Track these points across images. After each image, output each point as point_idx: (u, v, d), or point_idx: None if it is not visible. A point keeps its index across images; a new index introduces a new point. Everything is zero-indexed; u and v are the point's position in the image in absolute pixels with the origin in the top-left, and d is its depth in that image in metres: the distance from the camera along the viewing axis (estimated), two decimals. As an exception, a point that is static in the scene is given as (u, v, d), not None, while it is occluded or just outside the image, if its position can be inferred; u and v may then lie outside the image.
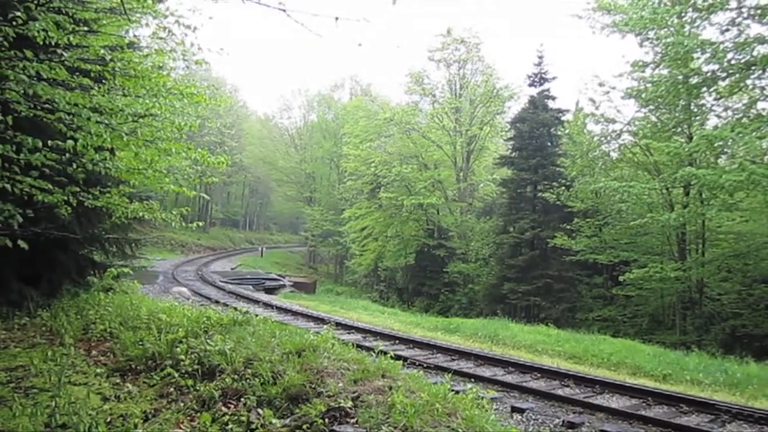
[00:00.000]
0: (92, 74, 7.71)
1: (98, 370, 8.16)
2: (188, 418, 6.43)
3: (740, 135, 19.82)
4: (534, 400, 9.29)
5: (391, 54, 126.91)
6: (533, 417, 8.34)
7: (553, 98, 36.69)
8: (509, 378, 10.89)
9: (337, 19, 4.09)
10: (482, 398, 6.35)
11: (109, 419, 6.26)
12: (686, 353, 17.20)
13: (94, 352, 9.24)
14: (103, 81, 7.90)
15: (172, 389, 7.27)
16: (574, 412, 8.68)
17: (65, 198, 8.23)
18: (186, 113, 9.33)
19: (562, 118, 36.16)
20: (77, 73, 7.46)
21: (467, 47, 43.62)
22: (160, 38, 8.20)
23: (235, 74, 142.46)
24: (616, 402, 9.53)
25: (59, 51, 6.93)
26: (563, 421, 8.13)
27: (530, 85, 37.32)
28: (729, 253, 25.62)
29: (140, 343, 8.75)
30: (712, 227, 26.05)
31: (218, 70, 70.31)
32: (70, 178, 8.49)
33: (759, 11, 19.52)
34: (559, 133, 35.61)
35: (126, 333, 9.38)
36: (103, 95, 7.54)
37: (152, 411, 6.76)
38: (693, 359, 15.51)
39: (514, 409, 8.54)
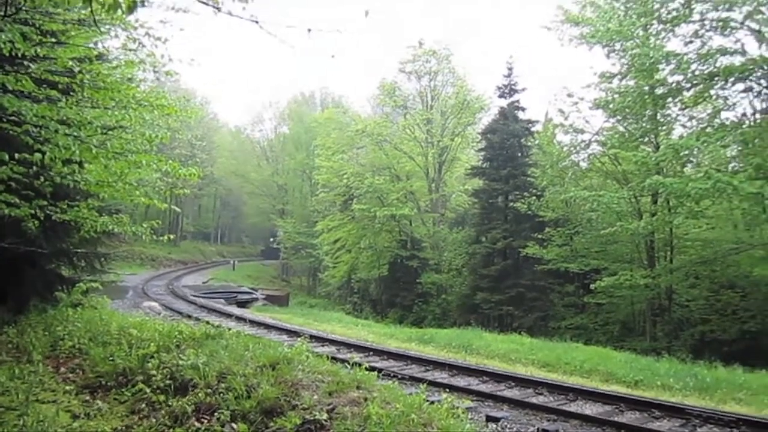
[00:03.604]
0: (60, 86, 7.61)
1: (67, 387, 8.01)
2: (161, 434, 6.34)
3: (705, 144, 20.27)
4: (509, 409, 9.32)
5: (363, 67, 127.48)
6: (508, 425, 8.36)
7: (523, 109, 37.22)
8: (484, 387, 10.91)
9: (309, 30, 4.10)
10: (457, 408, 6.37)
11: (79, 437, 6.14)
12: (657, 359, 17.40)
13: (62, 369, 9.06)
14: (72, 93, 7.79)
15: (143, 405, 7.16)
16: (548, 420, 8.73)
17: (32, 212, 8.10)
18: (156, 125, 9.23)
19: (532, 129, 36.65)
20: (44, 85, 7.36)
21: (438, 59, 43.98)
22: (130, 50, 8.13)
23: (205, 86, 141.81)
24: (589, 408, 9.60)
25: (26, 63, 6.83)
26: (538, 428, 8.17)
27: (500, 96, 37.79)
28: (696, 260, 26.04)
29: (110, 358, 8.60)
30: (680, 235, 26.50)
31: (188, 81, 69.86)
32: (38, 191, 8.35)
33: (720, 23, 20.02)
34: (530, 143, 36.03)
35: (96, 349, 9.20)
36: (72, 107, 7.44)
37: (123, 428, 6.66)
38: (664, 365, 15.70)
39: (489, 418, 8.55)
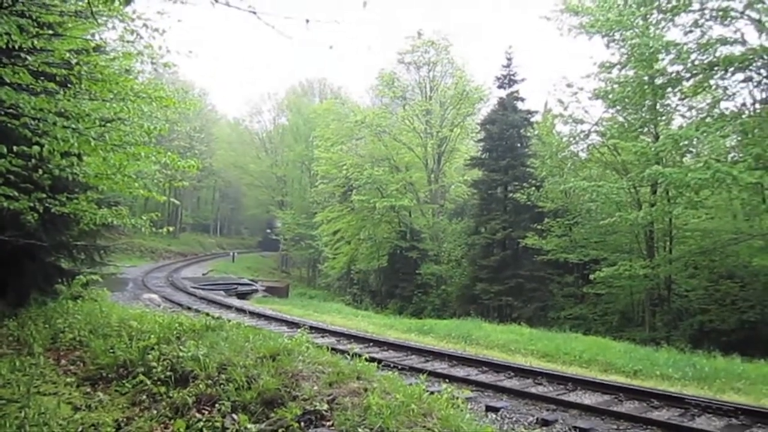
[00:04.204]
0: (57, 78, 7.58)
1: (68, 380, 8.03)
2: (162, 425, 6.36)
3: (704, 134, 20.25)
4: (508, 399, 9.35)
5: (362, 58, 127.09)
6: (508, 415, 8.39)
7: (522, 100, 37.08)
8: (483, 377, 10.94)
9: (307, 21, 4.09)
10: (457, 398, 6.37)
11: (80, 429, 6.16)
12: (656, 349, 17.45)
13: (63, 361, 9.08)
14: (69, 85, 7.76)
15: (144, 397, 7.18)
16: (547, 410, 8.76)
17: (31, 205, 8.08)
18: (155, 117, 9.20)
19: (532, 120, 36.56)
20: (42, 78, 7.34)
21: (437, 49, 43.82)
22: (128, 41, 8.08)
23: (203, 77, 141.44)
24: (588, 398, 9.63)
25: (23, 55, 6.80)
26: (537, 418, 8.19)
27: (499, 86, 37.66)
28: (695, 250, 26.04)
29: (111, 350, 8.62)
30: (679, 225, 26.48)
31: (186, 73, 69.56)
32: (36, 184, 8.34)
33: (720, 13, 19.92)
34: (529, 134, 35.98)
35: (96, 341, 9.22)
36: (69, 100, 7.42)
37: (124, 419, 6.67)
38: (663, 355, 15.74)
39: (489, 408, 8.58)
